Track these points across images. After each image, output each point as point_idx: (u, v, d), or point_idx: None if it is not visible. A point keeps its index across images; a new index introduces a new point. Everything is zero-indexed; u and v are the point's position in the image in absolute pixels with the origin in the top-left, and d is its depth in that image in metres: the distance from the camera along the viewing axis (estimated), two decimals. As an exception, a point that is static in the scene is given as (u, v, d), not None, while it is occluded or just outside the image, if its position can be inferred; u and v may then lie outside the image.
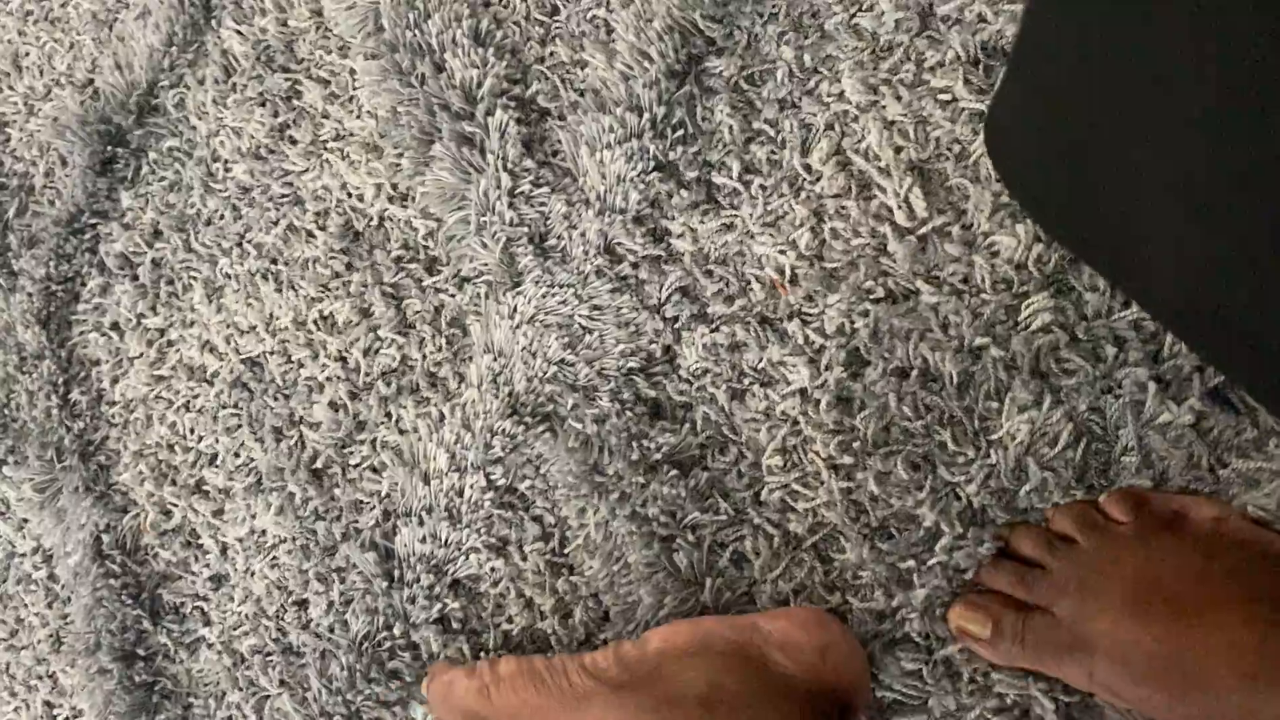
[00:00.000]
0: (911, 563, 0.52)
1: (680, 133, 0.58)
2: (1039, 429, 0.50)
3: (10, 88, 0.83)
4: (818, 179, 0.56)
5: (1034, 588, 0.48)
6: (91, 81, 0.78)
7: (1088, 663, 0.45)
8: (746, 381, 0.57)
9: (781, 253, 0.56)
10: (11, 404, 0.77)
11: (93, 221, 0.76)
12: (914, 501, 0.52)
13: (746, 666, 0.49)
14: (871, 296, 0.54)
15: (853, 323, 0.54)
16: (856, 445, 0.54)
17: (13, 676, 0.76)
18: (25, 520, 0.77)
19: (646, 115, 0.58)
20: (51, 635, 0.75)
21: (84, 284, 0.76)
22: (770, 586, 0.55)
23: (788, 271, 0.56)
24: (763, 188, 0.57)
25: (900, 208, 0.53)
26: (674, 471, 0.57)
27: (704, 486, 0.57)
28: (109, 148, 0.76)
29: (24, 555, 0.77)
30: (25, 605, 0.76)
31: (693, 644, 0.51)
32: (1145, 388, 0.48)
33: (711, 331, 0.57)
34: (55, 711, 0.74)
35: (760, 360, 0.56)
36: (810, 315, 0.56)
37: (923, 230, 0.53)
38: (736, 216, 0.57)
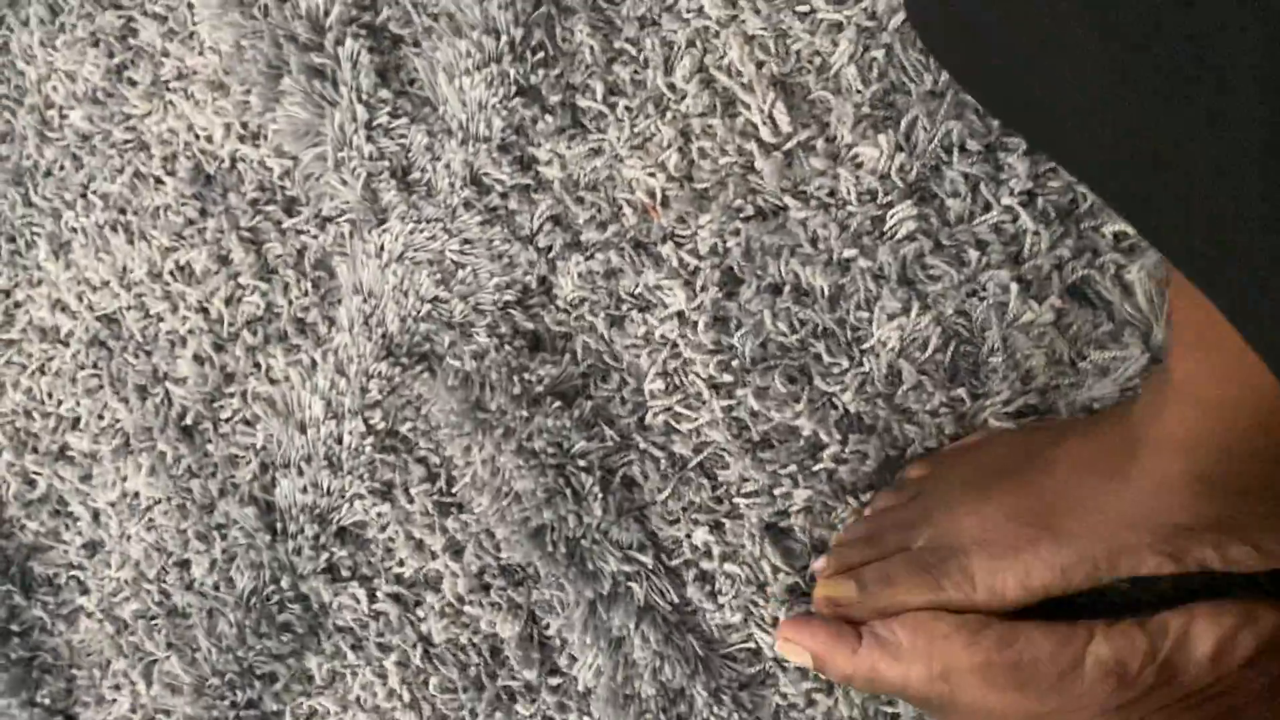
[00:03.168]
0: (793, 467, 0.52)
1: (540, 55, 0.57)
2: (909, 335, 0.51)
3: None
4: (682, 98, 0.55)
5: (885, 539, 0.49)
6: (-99, 26, 0.72)
7: (964, 563, 0.45)
8: (624, 308, 0.56)
9: (651, 175, 0.55)
10: None
11: (-83, 179, 0.70)
12: (793, 413, 0.53)
13: None
14: (742, 215, 0.54)
15: (725, 242, 0.54)
16: (735, 364, 0.54)
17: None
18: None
19: (504, 38, 0.57)
20: (-84, 619, 0.71)
21: (-86, 247, 0.71)
22: (661, 507, 0.56)
23: (658, 194, 0.55)
24: (628, 109, 0.56)
25: (765, 124, 0.53)
26: (558, 403, 0.57)
27: (589, 415, 0.57)
28: (-72, 98, 0.70)
29: (-123, 539, 0.72)
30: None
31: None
32: (1008, 289, 0.50)
33: (586, 259, 0.57)
34: (-72, 697, 0.70)
35: (637, 285, 0.56)
36: (683, 237, 0.55)
37: (788, 145, 0.53)
38: (604, 140, 0.56)
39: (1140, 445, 0.39)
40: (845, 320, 0.52)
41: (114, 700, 0.65)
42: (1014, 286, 0.50)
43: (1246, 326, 0.23)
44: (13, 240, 0.69)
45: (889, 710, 0.52)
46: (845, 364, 0.52)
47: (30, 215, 0.68)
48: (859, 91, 0.52)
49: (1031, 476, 0.44)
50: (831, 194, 0.52)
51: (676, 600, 0.55)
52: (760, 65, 0.53)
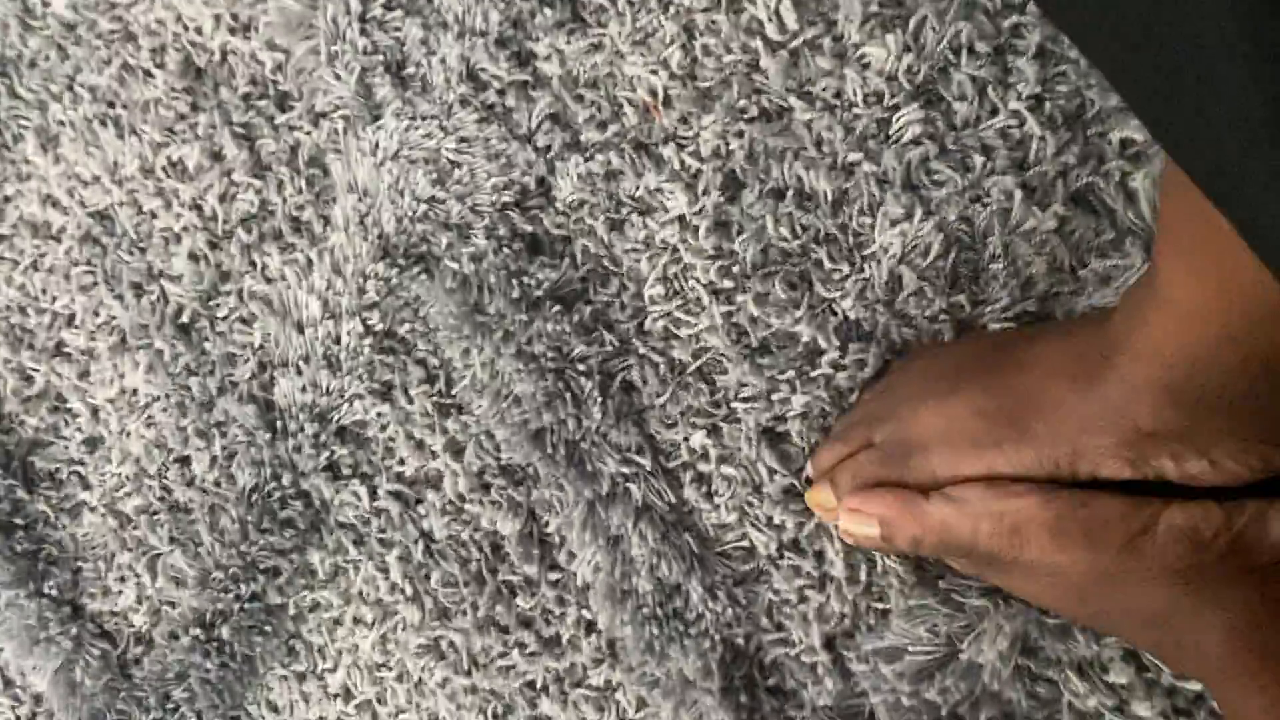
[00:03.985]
0: (791, 373, 0.53)
1: (540, -54, 0.55)
2: (911, 241, 0.51)
3: None
4: (686, -7, 0.53)
5: (852, 435, 0.49)
6: None
7: (924, 459, 0.45)
8: (625, 211, 0.56)
9: (653, 73, 0.54)
10: None
11: (-103, 67, 0.69)
12: (792, 320, 0.53)
13: None
14: (746, 116, 0.53)
15: (728, 144, 0.53)
16: (735, 269, 0.54)
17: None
18: (-128, 396, 0.72)
19: (502, -72, 0.55)
20: (-80, 512, 0.72)
21: (-103, 138, 0.69)
22: (659, 411, 0.56)
23: (660, 93, 0.54)
24: (630, 3, 0.54)
25: (771, 20, 0.52)
26: (557, 307, 0.57)
27: (588, 320, 0.57)
28: (-97, -18, 0.68)
29: (-124, 433, 0.73)
30: (-114, 484, 0.73)
31: None
32: (1012, 195, 0.49)
33: (586, 160, 0.56)
34: (-64, 587, 0.72)
35: (637, 188, 0.55)
36: (685, 139, 0.54)
37: (794, 44, 0.52)
38: (604, 35, 0.55)
39: (1116, 350, 0.40)
40: (847, 226, 0.52)
41: (120, 592, 0.67)
42: (1018, 193, 0.49)
43: (1255, 238, 0.23)
44: (1, 134, 0.67)
45: (879, 606, 0.53)
46: (846, 270, 0.52)
47: (16, 107, 0.67)
48: (869, -12, 0.50)
49: (1002, 376, 0.45)
50: (837, 95, 0.52)
51: (673, 501, 0.56)
52: (767, -40, 0.52)
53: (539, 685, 0.59)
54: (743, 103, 0.53)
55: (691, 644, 0.55)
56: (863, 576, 0.53)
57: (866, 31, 0.51)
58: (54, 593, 0.68)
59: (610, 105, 0.55)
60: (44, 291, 0.67)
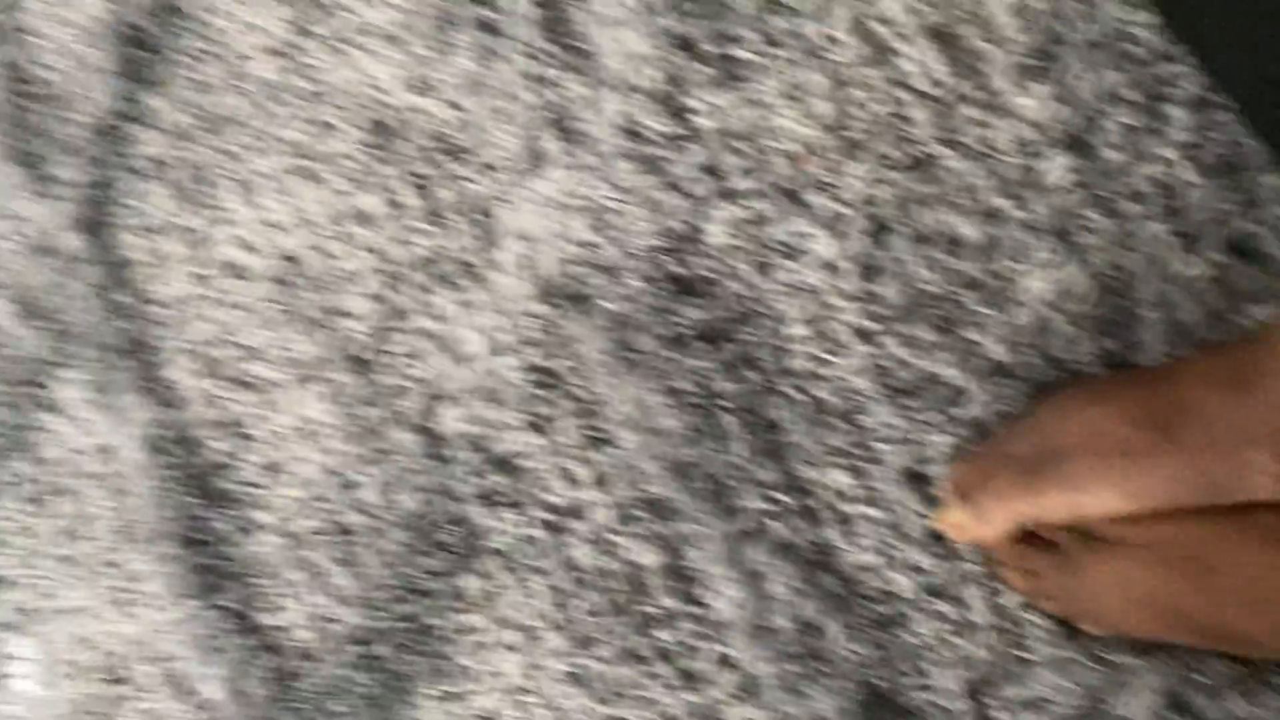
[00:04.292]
0: (935, 415, 0.53)
1: (698, 7, 0.59)
2: (1060, 286, 0.51)
3: (30, -4, 0.83)
4: (837, 48, 0.56)
5: (988, 452, 0.49)
6: (110, -15, 0.78)
7: (1064, 465, 0.44)
8: (772, 255, 0.58)
9: (803, 125, 0.57)
10: (61, 308, 0.80)
11: (123, 125, 0.77)
12: (937, 362, 0.53)
13: None
14: (893, 164, 0.55)
15: (875, 192, 0.55)
16: (880, 312, 0.55)
17: (85, 565, 0.80)
18: (83, 419, 0.80)
19: (664, -9, 0.58)
20: (117, 526, 0.79)
21: (119, 188, 0.78)
22: (802, 449, 0.57)
23: (810, 143, 0.57)
24: (783, 60, 0.57)
25: (920, 73, 0.54)
26: (704, 345, 0.59)
27: (733, 358, 0.59)
28: (134, 51, 0.76)
29: (84, 452, 0.80)
30: (90, 499, 0.80)
31: None
32: (1165, 242, 0.49)
33: (736, 207, 0.58)
34: (127, 595, 0.78)
35: (785, 233, 0.57)
36: (833, 186, 0.56)
37: (943, 95, 0.53)
38: (757, 90, 0.58)
39: (1272, 359, 0.39)
40: (995, 271, 0.53)
41: (287, 608, 0.71)
42: (1172, 240, 0.49)
43: None
44: (204, 183, 0.75)
45: (1024, 656, 0.53)
46: (994, 314, 0.53)
47: (220, 160, 0.74)
48: (1017, 41, 0.52)
49: (1150, 383, 0.44)
50: (986, 144, 0.53)
51: (814, 540, 0.57)
52: (917, 15, 0.54)
53: (677, 719, 0.60)
54: (891, 152, 0.55)
55: (831, 684, 0.56)
56: (1007, 625, 0.53)
57: (1016, 81, 0.52)
58: (229, 605, 0.73)
59: (761, 155, 0.58)
60: (235, 326, 0.73)
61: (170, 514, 0.74)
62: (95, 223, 0.78)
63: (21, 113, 0.82)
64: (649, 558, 0.60)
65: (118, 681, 0.80)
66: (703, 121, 0.59)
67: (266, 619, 0.72)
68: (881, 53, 0.55)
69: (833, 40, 0.56)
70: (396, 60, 0.67)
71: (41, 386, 0.82)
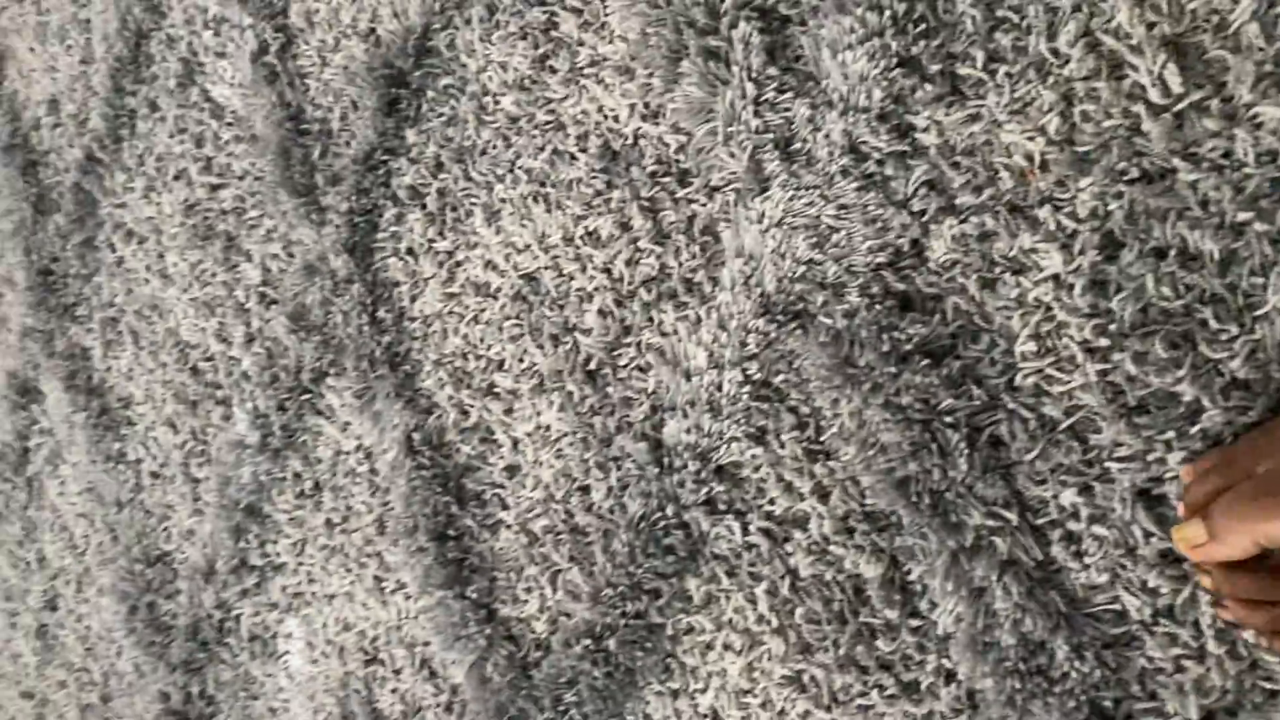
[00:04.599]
0: (1170, 434, 0.52)
1: (922, 27, 0.59)
2: (1311, 302, 0.49)
3: (305, 42, 0.93)
4: (1065, 62, 0.55)
5: (1231, 467, 0.47)
6: (374, 30, 0.87)
7: None
8: (997, 270, 0.58)
9: (1030, 139, 0.56)
10: (330, 323, 0.89)
11: (384, 158, 0.85)
12: (1173, 379, 0.52)
13: None
14: (1126, 178, 0.54)
15: (1106, 205, 0.54)
16: (1113, 328, 0.54)
17: (347, 555, 0.89)
18: (348, 423, 0.89)
19: (887, 12, 0.60)
20: (376, 520, 0.87)
21: (381, 214, 0.86)
22: (1028, 467, 0.57)
23: (1037, 158, 0.56)
24: (1009, 75, 0.57)
25: (1154, 85, 0.52)
26: (926, 361, 0.60)
27: (957, 374, 0.59)
28: (393, 90, 0.84)
29: (348, 453, 0.89)
30: (352, 495, 0.89)
31: None
32: None
33: (960, 222, 0.59)
34: (383, 584, 0.86)
35: (1011, 248, 0.57)
36: (1062, 200, 0.56)
37: (1179, 107, 0.52)
38: (982, 106, 0.58)
39: None
40: (1237, 286, 0.51)
41: (525, 601, 0.77)
42: None
43: None
44: (455, 209, 0.82)
45: (1267, 686, 0.50)
46: (1235, 330, 0.51)
47: (469, 188, 0.81)
48: (1261, 49, 0.50)
49: None
50: (1226, 156, 0.51)
51: (1040, 558, 0.57)
52: (1151, 26, 0.53)
53: (896, 728, 0.61)
54: (1122, 165, 0.54)
55: (1055, 702, 0.55)
56: (1244, 652, 0.51)
57: (1259, 91, 0.50)
58: (474, 596, 0.79)
59: (986, 171, 0.58)
60: (481, 340, 0.80)
61: (423, 511, 0.81)
62: (360, 246, 0.87)
63: (297, 148, 0.93)
64: (869, 569, 0.62)
65: (374, 662, 0.88)
66: (926, 138, 0.60)
67: (507, 610, 0.78)
68: (1113, 65, 0.54)
69: (1060, 54, 0.55)
70: (628, 90, 0.71)
71: (312, 393, 0.92)
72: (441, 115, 0.82)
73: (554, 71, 0.76)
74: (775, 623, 0.65)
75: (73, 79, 1.19)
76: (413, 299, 0.84)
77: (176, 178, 1.06)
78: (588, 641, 0.73)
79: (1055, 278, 0.56)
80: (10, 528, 1.29)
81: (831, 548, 0.63)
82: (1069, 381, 0.56)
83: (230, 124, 1.00)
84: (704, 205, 0.69)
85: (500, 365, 0.79)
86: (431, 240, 0.83)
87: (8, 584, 1.30)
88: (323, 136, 0.91)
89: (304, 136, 0.93)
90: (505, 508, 0.78)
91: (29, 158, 1.25)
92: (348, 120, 0.89)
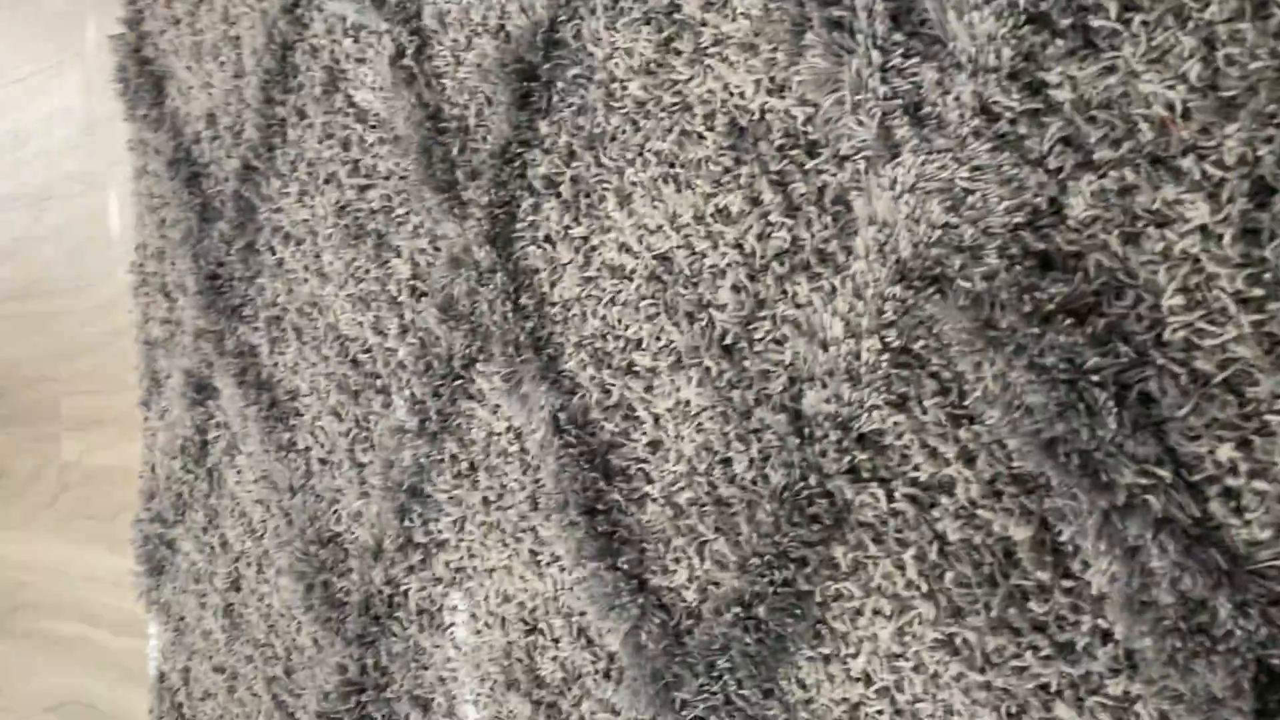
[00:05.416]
0: (1331, 386, 0.50)
1: (1051, -19, 0.58)
2: None
3: (439, 43, 0.97)
4: (1206, 5, 0.53)
5: None
6: (503, 27, 0.90)
7: None
8: (1140, 224, 0.57)
9: (1170, 88, 0.55)
10: (476, 312, 0.94)
11: (519, 150, 0.89)
12: (1336, 328, 0.50)
13: None
14: (1276, 121, 0.52)
15: (1256, 151, 0.52)
16: (1267, 276, 0.52)
17: (503, 531, 0.94)
18: (498, 406, 0.93)
19: (1014, -30, 0.59)
20: (529, 497, 0.91)
21: (519, 205, 0.89)
22: (1180, 423, 0.56)
23: (1178, 107, 0.55)
24: (1145, 24, 0.56)
25: (1305, 21, 0.50)
26: (1069, 320, 0.59)
27: (1102, 332, 0.58)
28: (524, 83, 0.87)
29: (500, 434, 0.93)
30: (506, 474, 0.93)
31: None
32: None
33: (1099, 178, 0.58)
34: (539, 557, 0.90)
35: (1154, 201, 0.56)
36: (1206, 149, 0.54)
37: (1334, 41, 0.50)
38: (1118, 57, 0.57)
39: None
40: (1403, 225, 0.49)
41: (675, 571, 0.79)
42: None
43: None
44: (588, 195, 0.84)
45: None
46: (1402, 272, 0.49)
47: (601, 174, 0.83)
48: None
49: None
50: (1387, 89, 0.49)
51: (1197, 515, 0.56)
52: (1300, -41, 0.51)
53: (1053, 689, 0.61)
54: (1271, 108, 0.52)
55: (1220, 660, 0.54)
56: None
57: None
58: (625, 567, 0.82)
59: (1124, 123, 0.57)
60: (619, 321, 0.82)
61: (572, 487, 0.84)
62: (500, 236, 0.91)
63: (437, 146, 0.97)
64: (1019, 532, 0.61)
65: (534, 631, 0.92)
66: (1060, 94, 0.59)
67: (658, 580, 0.81)
68: (1258, 5, 0.52)
69: (1201, -3, 0.54)
70: (753, 66, 0.72)
71: (464, 379, 0.96)
72: (571, 105, 0.85)
73: (678, 54, 0.77)
74: (925, 587, 0.66)
75: (226, 93, 1.27)
76: (552, 284, 0.87)
77: (327, 181, 1.12)
78: (738, 609, 0.74)
79: (1203, 228, 0.54)
80: (195, 515, 1.39)
81: (979, 511, 0.63)
82: (1221, 334, 0.54)
83: (374, 126, 1.05)
84: (834, 175, 0.69)
85: (638, 344, 0.81)
86: (567, 227, 0.86)
87: (195, 567, 1.40)
88: (460, 133, 0.95)
89: (443, 135, 0.97)
90: (650, 481, 0.81)
91: (192, 170, 1.34)
92: (483, 116, 0.93)
